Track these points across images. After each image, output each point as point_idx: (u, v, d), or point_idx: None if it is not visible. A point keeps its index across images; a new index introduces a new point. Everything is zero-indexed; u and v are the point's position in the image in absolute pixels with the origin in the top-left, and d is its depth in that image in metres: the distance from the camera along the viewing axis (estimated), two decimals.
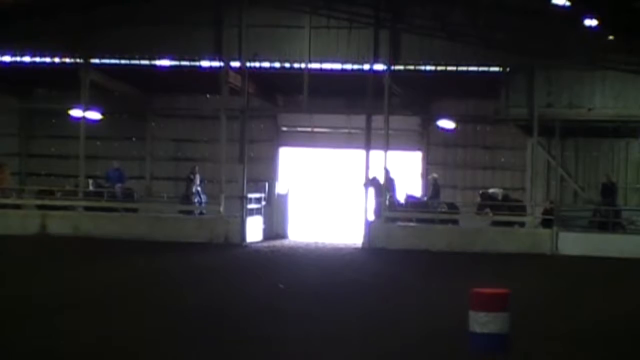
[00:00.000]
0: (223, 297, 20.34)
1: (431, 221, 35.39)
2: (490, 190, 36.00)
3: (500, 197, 35.74)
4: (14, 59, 36.98)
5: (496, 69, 34.77)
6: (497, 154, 38.41)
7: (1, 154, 39.54)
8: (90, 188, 36.96)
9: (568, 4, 30.22)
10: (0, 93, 40.05)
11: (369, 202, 35.34)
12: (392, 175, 35.73)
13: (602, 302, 21.28)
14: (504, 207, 35.29)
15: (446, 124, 37.62)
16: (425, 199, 36.79)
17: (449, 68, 35.04)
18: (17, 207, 36.95)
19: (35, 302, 18.90)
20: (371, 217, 35.23)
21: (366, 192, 35.31)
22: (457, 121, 37.61)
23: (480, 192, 36.15)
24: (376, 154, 35.27)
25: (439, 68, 35.11)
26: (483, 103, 36.61)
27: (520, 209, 35.49)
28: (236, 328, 16.43)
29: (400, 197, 36.16)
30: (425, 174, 38.36)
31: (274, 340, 15.33)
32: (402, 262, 30.12)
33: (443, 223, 35.46)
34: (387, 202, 35.02)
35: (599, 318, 18.75)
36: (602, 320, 18.49)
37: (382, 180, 35.30)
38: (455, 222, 35.97)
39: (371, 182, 35.40)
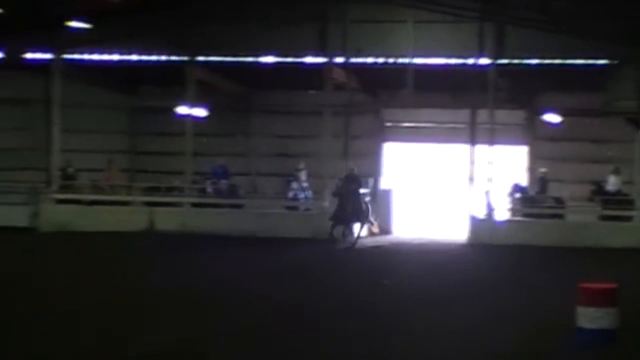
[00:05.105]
0: (326, 294, 20.33)
1: (538, 215, 34.96)
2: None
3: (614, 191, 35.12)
4: (121, 57, 37.66)
5: (604, 61, 34.19)
6: (605, 147, 37.80)
7: (112, 151, 40.25)
8: (209, 189, 37.37)
9: None
10: (109, 91, 40.84)
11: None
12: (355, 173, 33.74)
13: None
14: (613, 201, 34.66)
15: (552, 117, 37.14)
16: (532, 191, 36.38)
17: (555, 61, 34.58)
18: (125, 203, 37.54)
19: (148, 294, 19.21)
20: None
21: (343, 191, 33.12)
22: (563, 115, 37.10)
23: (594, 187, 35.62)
24: (481, 149, 34.97)
25: (545, 61, 34.69)
26: (590, 96, 35.99)
27: (628, 203, 34.83)
28: (341, 325, 16.41)
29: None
30: (532, 168, 37.93)
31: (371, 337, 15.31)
32: (507, 258, 29.76)
33: (550, 218, 35.02)
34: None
35: None
36: None
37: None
38: (561, 216, 35.49)
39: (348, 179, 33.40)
